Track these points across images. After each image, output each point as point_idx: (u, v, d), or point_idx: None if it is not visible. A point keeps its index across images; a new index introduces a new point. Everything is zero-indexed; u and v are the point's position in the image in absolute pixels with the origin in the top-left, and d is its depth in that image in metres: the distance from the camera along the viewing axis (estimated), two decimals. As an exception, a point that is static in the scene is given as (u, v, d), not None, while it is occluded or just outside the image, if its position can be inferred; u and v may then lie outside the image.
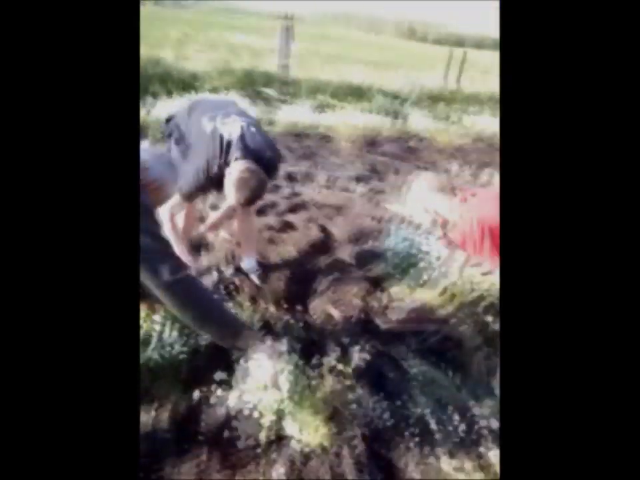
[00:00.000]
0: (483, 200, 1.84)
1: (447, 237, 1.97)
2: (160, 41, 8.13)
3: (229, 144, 2.09)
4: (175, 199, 2.16)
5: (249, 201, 2.12)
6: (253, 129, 2.16)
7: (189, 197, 2.23)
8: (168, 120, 2.42)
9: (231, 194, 2.08)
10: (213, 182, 2.15)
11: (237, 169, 2.04)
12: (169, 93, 5.78)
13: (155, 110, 5.25)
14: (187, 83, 6.18)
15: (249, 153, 2.09)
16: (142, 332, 1.90)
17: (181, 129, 2.30)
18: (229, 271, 2.57)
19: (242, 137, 2.10)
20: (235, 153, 2.08)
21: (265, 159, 2.14)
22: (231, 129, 2.12)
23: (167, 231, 2.30)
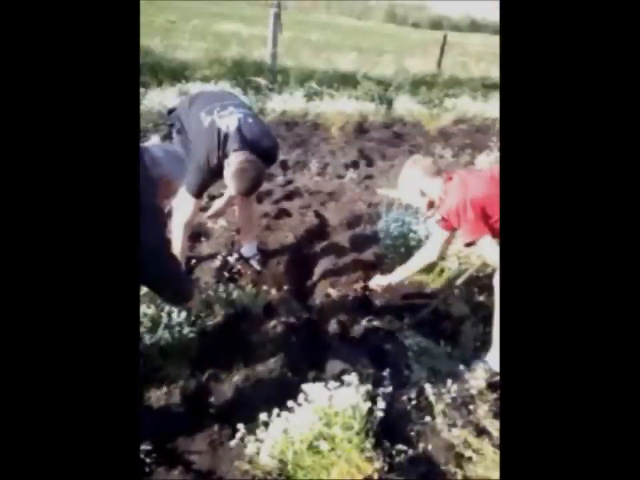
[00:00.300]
0: (464, 179, 2.05)
1: (438, 215, 2.12)
2: (148, 29, 8.08)
3: (226, 136, 2.17)
4: (183, 196, 2.25)
5: (249, 191, 2.22)
6: (250, 120, 2.25)
7: (197, 193, 2.31)
8: (170, 111, 2.51)
9: (230, 185, 2.18)
10: (214, 174, 2.24)
11: (235, 161, 2.12)
12: (160, 83, 5.81)
13: (146, 100, 5.29)
14: (177, 73, 6.21)
15: (246, 144, 2.17)
16: (153, 312, 2.02)
17: (182, 120, 2.39)
18: (230, 257, 2.68)
19: (239, 129, 2.18)
20: (232, 144, 2.16)
21: (262, 148, 2.23)
22: (228, 122, 2.20)
23: (175, 226, 2.38)
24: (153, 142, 1.84)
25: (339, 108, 6.18)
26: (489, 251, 2.05)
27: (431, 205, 2.15)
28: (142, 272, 1.55)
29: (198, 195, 2.32)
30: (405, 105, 7.06)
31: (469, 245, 2.08)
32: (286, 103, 6.16)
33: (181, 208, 2.29)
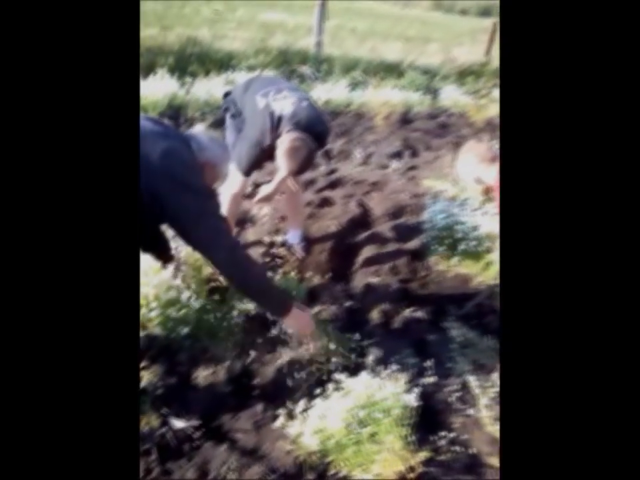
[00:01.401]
0: None
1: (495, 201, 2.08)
2: (195, 20, 8.23)
3: (280, 118, 2.21)
4: (233, 175, 2.30)
5: (300, 170, 2.24)
6: (304, 104, 2.27)
7: (247, 171, 2.35)
8: (226, 95, 2.56)
9: (282, 163, 2.19)
10: (266, 154, 2.27)
11: (287, 139, 2.15)
12: (207, 72, 5.90)
13: (194, 89, 5.39)
14: (223, 62, 6.29)
15: (299, 126, 2.19)
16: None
17: (236, 104, 2.43)
18: (275, 244, 2.72)
19: (293, 112, 2.21)
20: (286, 126, 2.19)
21: (314, 131, 2.24)
22: (283, 105, 2.24)
23: (224, 198, 2.43)
24: (198, 129, 1.91)
25: (384, 97, 6.10)
26: None
27: (487, 191, 2.10)
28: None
29: (247, 172, 2.36)
30: (451, 95, 6.90)
31: None
32: (330, 92, 6.14)
33: (231, 182, 2.34)
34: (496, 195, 2.03)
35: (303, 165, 2.19)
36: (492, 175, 2.03)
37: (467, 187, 2.21)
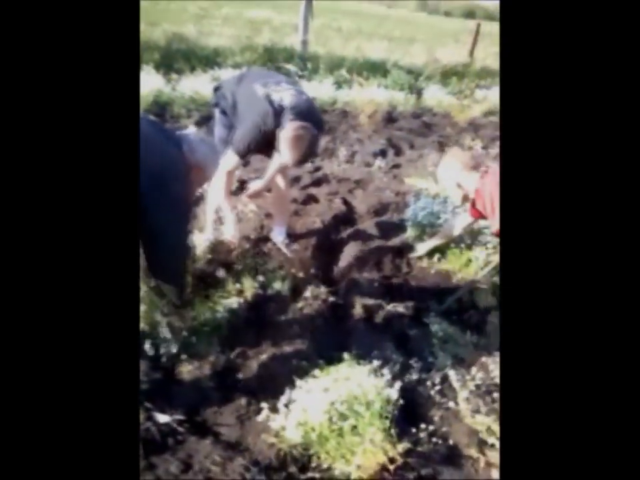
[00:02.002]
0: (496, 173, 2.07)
1: (473, 209, 2.21)
2: (181, 16, 8.18)
3: (281, 107, 2.23)
4: (230, 156, 2.31)
5: (304, 158, 2.26)
6: (304, 96, 2.32)
7: (244, 153, 2.34)
8: (216, 89, 2.56)
9: (287, 152, 2.20)
10: (264, 138, 2.27)
11: (291, 128, 2.16)
12: (193, 69, 5.89)
13: (180, 86, 5.37)
14: (209, 59, 6.28)
15: (301, 115, 2.22)
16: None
17: (227, 98, 2.43)
18: (260, 240, 2.73)
19: (294, 102, 2.25)
20: (288, 115, 2.21)
21: (315, 120, 2.29)
22: (283, 95, 2.27)
23: (219, 196, 2.46)
24: (190, 130, 1.92)
25: (368, 96, 6.15)
26: None
27: (465, 198, 2.18)
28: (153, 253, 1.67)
29: (243, 155, 2.36)
30: (435, 95, 6.98)
31: (496, 234, 2.12)
32: (315, 90, 6.16)
33: (225, 161, 2.34)
34: (478, 202, 2.14)
35: (307, 153, 2.22)
36: (472, 182, 2.10)
37: (448, 191, 2.29)
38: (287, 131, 2.17)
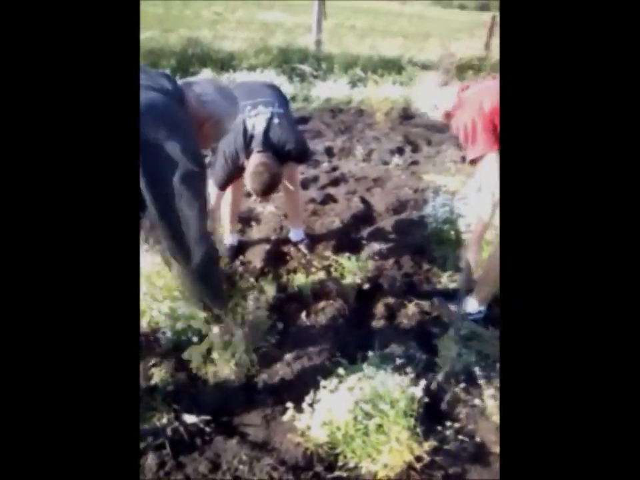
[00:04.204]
0: (480, 92, 2.02)
1: (452, 129, 2.14)
2: (196, 22, 8.27)
3: (252, 137, 2.27)
4: (212, 189, 2.39)
5: (262, 193, 2.30)
6: (276, 121, 2.29)
7: (223, 186, 2.45)
8: None
9: (247, 184, 2.30)
10: (240, 170, 2.34)
11: (252, 163, 2.22)
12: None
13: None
14: (224, 63, 6.34)
15: (268, 146, 2.26)
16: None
17: None
18: (279, 242, 2.75)
19: (265, 131, 2.26)
20: (256, 146, 2.26)
21: (285, 151, 2.31)
22: (255, 122, 2.28)
23: (213, 211, 2.50)
24: (201, 77, 1.77)
25: (384, 94, 6.13)
26: (490, 170, 1.94)
27: (447, 116, 2.16)
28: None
29: (222, 187, 2.46)
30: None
31: (474, 161, 2.01)
32: (330, 89, 6.17)
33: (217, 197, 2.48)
34: (454, 121, 2.08)
35: (264, 188, 2.25)
36: (447, 98, 2.10)
37: (430, 115, 2.26)
38: (249, 166, 2.23)
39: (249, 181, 2.24)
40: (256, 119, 2.28)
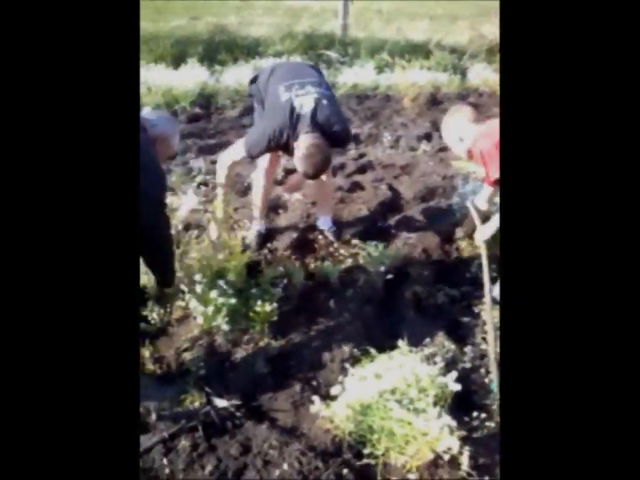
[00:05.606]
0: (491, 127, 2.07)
1: (473, 158, 2.19)
2: (222, 8, 8.27)
3: (298, 116, 2.21)
4: (239, 149, 2.34)
5: (315, 175, 2.26)
6: (324, 102, 2.26)
7: (255, 156, 2.39)
8: (251, 81, 2.58)
9: (299, 167, 2.23)
10: (280, 147, 2.30)
11: (303, 145, 2.16)
12: (235, 60, 5.97)
13: (223, 77, 5.46)
14: (251, 49, 6.33)
15: (317, 127, 2.21)
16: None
17: (260, 90, 2.46)
18: (307, 229, 2.76)
19: (313, 111, 2.21)
20: (304, 126, 2.20)
21: (333, 132, 2.26)
22: (303, 102, 2.23)
23: (221, 178, 2.48)
24: (146, 110, 2.11)
25: (411, 79, 6.02)
26: None
27: (470, 155, 2.19)
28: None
29: (254, 157, 2.41)
30: (481, 74, 6.74)
31: (495, 182, 2.08)
32: (357, 75, 6.09)
33: (234, 150, 2.41)
34: (474, 148, 2.12)
35: (317, 171, 2.20)
36: (473, 133, 2.12)
37: (452, 147, 2.29)
38: (299, 148, 2.17)
39: (301, 163, 2.18)
40: (304, 99, 2.24)
